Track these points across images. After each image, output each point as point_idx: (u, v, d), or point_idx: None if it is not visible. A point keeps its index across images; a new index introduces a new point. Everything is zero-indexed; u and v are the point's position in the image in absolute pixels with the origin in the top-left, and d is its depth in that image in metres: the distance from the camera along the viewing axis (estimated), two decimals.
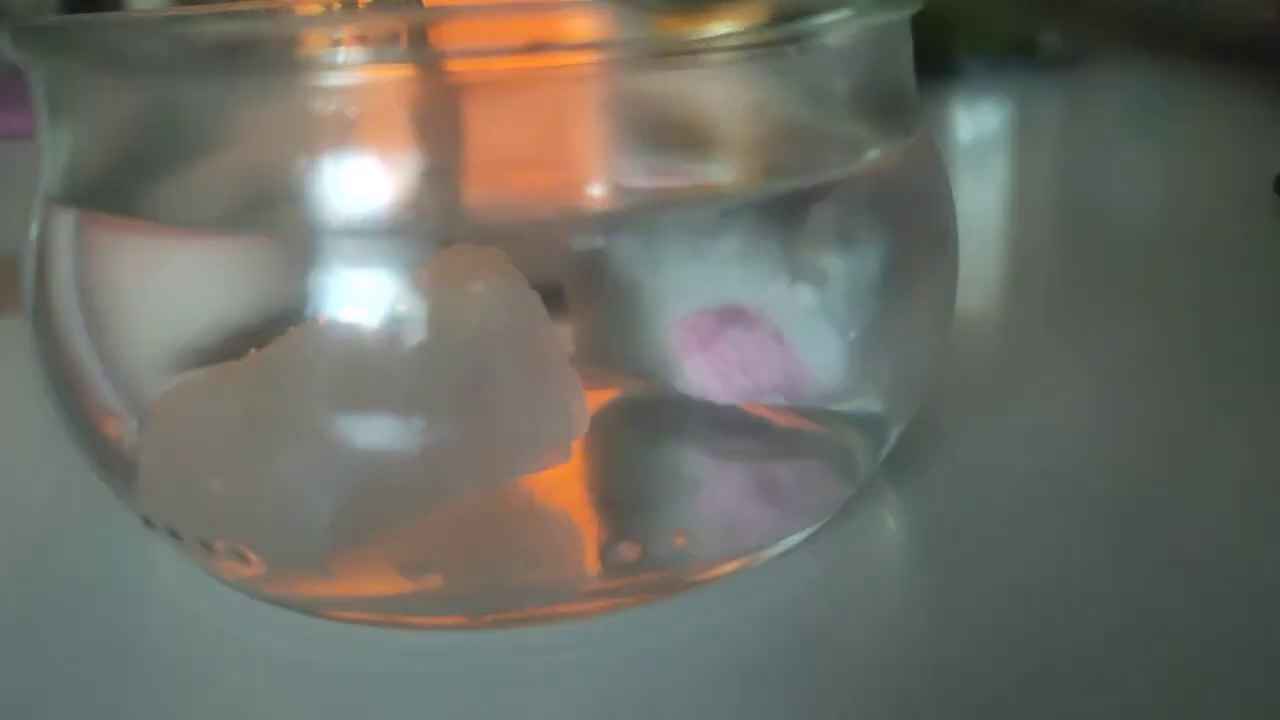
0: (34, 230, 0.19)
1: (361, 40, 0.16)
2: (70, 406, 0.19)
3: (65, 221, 0.18)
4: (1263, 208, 0.39)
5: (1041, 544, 0.20)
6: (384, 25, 0.16)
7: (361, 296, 0.16)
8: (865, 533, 0.21)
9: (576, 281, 0.18)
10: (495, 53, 0.16)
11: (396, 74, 0.17)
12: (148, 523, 0.19)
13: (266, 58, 0.16)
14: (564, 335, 0.18)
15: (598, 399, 0.18)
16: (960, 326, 0.22)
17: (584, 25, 0.17)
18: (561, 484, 0.18)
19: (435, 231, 0.17)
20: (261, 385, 0.16)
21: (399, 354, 0.16)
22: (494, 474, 0.17)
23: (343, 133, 0.16)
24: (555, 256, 0.18)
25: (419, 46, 0.16)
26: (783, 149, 0.19)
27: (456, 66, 0.17)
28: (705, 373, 0.18)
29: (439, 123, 0.18)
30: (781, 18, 0.17)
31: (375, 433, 0.16)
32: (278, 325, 0.16)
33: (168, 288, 0.18)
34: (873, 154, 0.20)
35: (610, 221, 0.18)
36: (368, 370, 0.16)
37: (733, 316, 0.18)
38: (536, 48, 0.16)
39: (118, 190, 0.18)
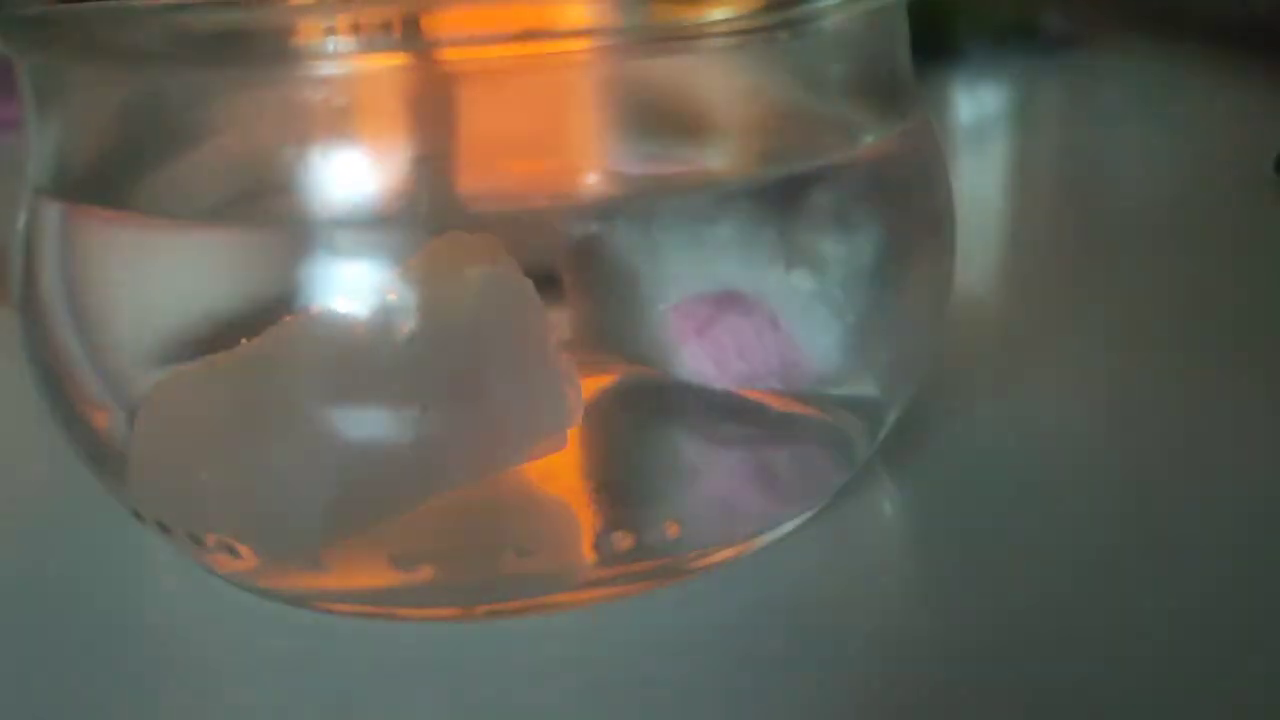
0: (22, 222, 0.19)
1: (354, 29, 0.16)
2: (59, 399, 0.19)
3: (53, 214, 0.18)
4: (1262, 188, 0.39)
5: (1039, 528, 0.20)
6: (377, 14, 0.16)
7: (354, 286, 0.16)
8: (861, 518, 0.21)
9: (573, 268, 0.18)
10: (488, 40, 0.16)
11: (389, 63, 0.17)
12: (138, 516, 0.19)
13: (258, 47, 0.16)
14: (560, 322, 0.18)
15: (594, 386, 0.18)
16: (960, 309, 0.22)
17: (577, 11, 0.17)
18: (557, 472, 0.18)
19: (429, 221, 0.17)
20: (253, 376, 0.16)
21: (392, 344, 0.16)
22: (489, 464, 0.17)
23: (335, 122, 0.16)
24: (551, 244, 0.18)
25: (412, 35, 0.16)
26: (779, 134, 0.19)
27: (449, 55, 0.17)
28: (702, 358, 0.18)
29: (432, 112, 0.17)
30: (777, 2, 0.17)
31: (368, 424, 0.16)
32: (270, 316, 0.16)
33: (157, 280, 0.18)
34: (869, 138, 0.19)
35: (606, 208, 0.18)
36: (360, 360, 0.16)
37: (729, 302, 0.18)
38: (530, 35, 0.16)
39: (106, 182, 0.18)
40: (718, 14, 0.17)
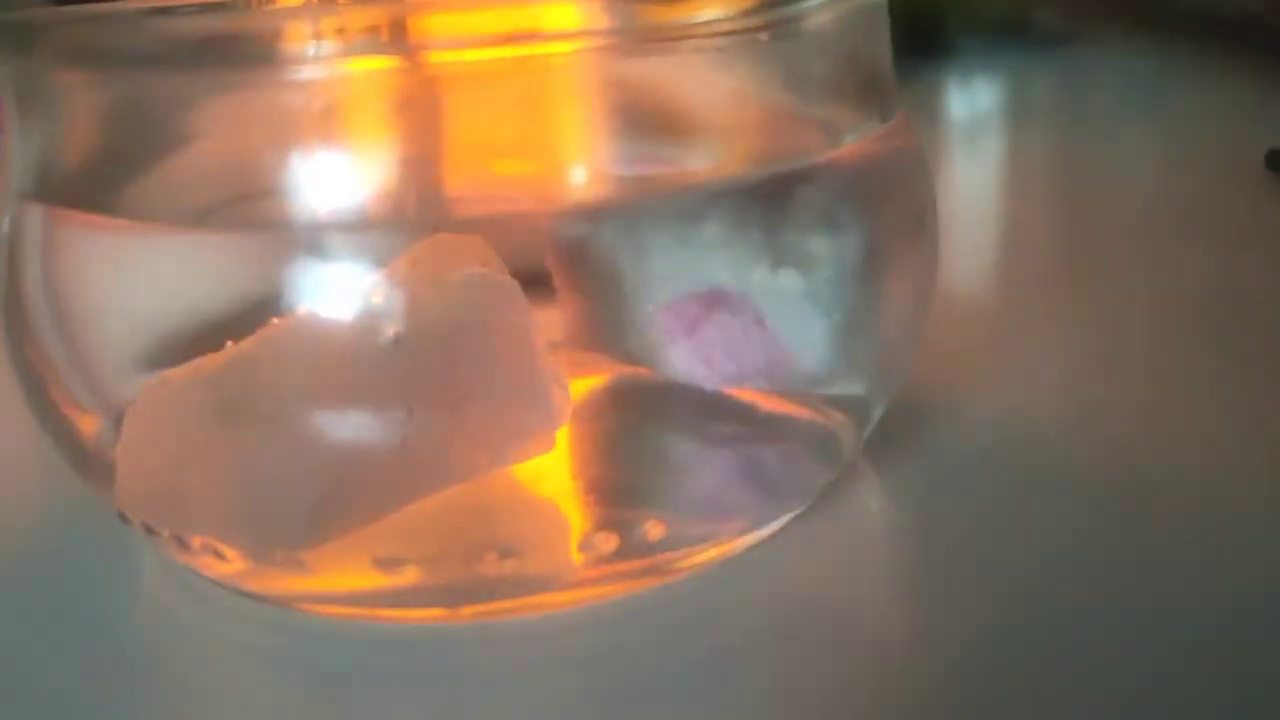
0: (5, 227, 0.19)
1: (339, 33, 0.16)
2: (44, 403, 0.19)
3: (37, 218, 0.18)
4: (1254, 184, 0.39)
5: (1025, 525, 0.20)
6: (362, 17, 0.16)
7: (341, 289, 0.16)
8: (847, 517, 0.21)
9: (560, 270, 0.18)
10: (474, 43, 0.16)
11: (375, 66, 0.17)
12: (124, 518, 0.19)
13: (242, 51, 0.16)
14: (548, 323, 0.18)
15: (583, 386, 0.18)
16: (951, 306, 0.22)
17: (562, 14, 0.17)
18: (544, 472, 0.18)
19: (416, 224, 0.17)
20: (239, 379, 0.16)
21: (379, 346, 0.16)
22: (476, 465, 0.17)
23: (321, 126, 0.16)
24: (539, 245, 0.18)
25: (398, 39, 0.16)
26: (763, 135, 0.19)
27: (434, 58, 0.17)
28: (690, 358, 0.18)
29: (418, 114, 0.17)
30: (760, 4, 0.17)
31: (355, 426, 0.16)
32: (257, 319, 0.16)
33: (142, 285, 0.18)
34: (851, 138, 0.20)
35: (593, 209, 0.18)
36: (347, 363, 0.16)
37: (717, 301, 0.18)
38: (514, 38, 0.16)
39: (91, 186, 0.18)
40: (700, 16, 0.17)
